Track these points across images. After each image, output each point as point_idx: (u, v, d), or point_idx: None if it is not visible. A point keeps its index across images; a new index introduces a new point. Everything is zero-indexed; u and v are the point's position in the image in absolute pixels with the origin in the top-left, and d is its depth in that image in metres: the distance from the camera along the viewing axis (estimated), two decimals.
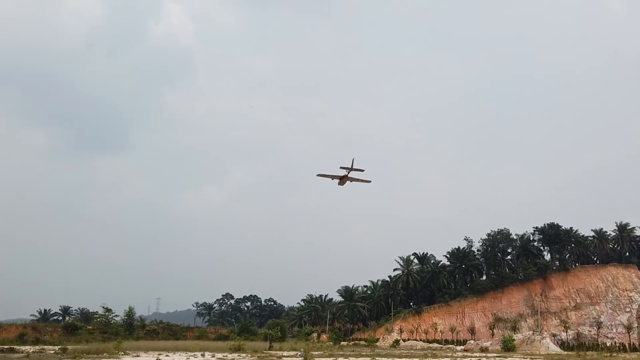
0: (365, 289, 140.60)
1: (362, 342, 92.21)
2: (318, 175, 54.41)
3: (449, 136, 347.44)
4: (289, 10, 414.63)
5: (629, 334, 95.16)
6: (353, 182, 54.72)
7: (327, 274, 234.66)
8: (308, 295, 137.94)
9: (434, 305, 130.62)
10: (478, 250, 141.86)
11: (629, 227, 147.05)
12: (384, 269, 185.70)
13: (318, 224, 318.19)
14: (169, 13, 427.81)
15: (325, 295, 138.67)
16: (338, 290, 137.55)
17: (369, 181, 55.19)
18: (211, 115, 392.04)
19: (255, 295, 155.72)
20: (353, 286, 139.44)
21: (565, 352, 66.85)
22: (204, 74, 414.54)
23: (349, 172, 52.55)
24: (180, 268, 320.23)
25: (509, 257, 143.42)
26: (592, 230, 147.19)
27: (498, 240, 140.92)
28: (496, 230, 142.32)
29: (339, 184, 54.77)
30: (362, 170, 52.63)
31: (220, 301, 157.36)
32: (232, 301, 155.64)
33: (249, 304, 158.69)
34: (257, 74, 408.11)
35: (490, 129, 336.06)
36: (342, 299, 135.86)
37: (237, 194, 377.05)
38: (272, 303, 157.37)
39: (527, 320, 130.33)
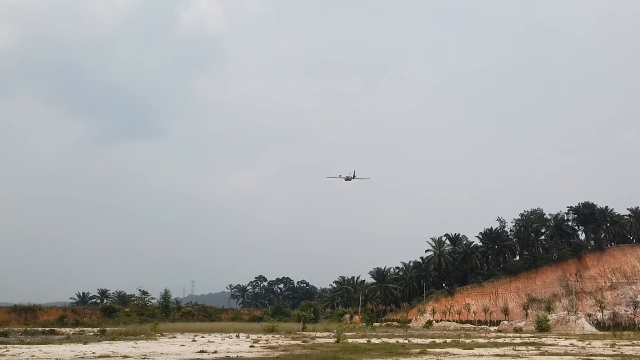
0: (397, 270, 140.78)
1: (395, 323, 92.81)
2: (328, 177, 73.71)
3: (482, 116, 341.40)
4: None
5: None
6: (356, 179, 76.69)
7: (359, 257, 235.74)
8: (340, 277, 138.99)
9: (466, 286, 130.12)
10: (511, 230, 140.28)
11: None
12: (417, 250, 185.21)
13: (351, 207, 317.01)
14: None
15: (358, 277, 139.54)
16: (370, 271, 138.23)
17: (369, 178, 78.28)
18: (242, 101, 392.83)
19: (288, 278, 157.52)
20: (385, 267, 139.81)
21: (601, 332, 66.97)
22: (233, 59, 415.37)
23: (353, 177, 74.14)
24: (214, 252, 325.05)
25: (542, 237, 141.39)
26: (627, 209, 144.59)
27: (531, 221, 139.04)
28: (529, 210, 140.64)
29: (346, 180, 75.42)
30: (369, 179, 77.70)
31: (254, 283, 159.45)
32: (265, 283, 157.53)
33: (281, 286, 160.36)
34: (286, 57, 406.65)
35: (523, 108, 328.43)
36: (374, 281, 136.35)
37: (269, 179, 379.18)
38: (304, 285, 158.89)
39: (562, 300, 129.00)
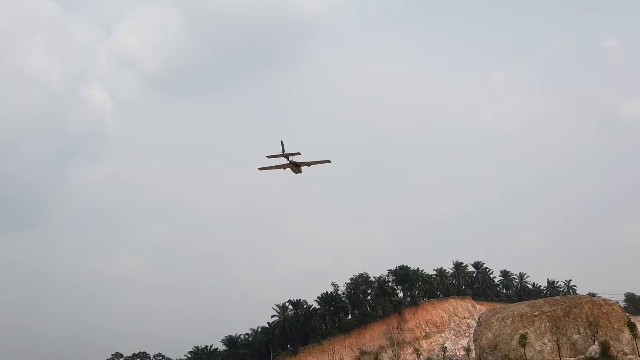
0: (247, 336, 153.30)
1: None
2: (260, 169, 50.46)
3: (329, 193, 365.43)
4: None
5: (468, 355, 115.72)
6: (312, 165, 49.42)
7: (213, 324, 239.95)
8: (194, 347, 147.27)
9: (308, 346, 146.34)
10: (343, 293, 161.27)
11: (463, 265, 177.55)
12: (264, 315, 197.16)
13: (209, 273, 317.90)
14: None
15: (211, 346, 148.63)
16: (222, 339, 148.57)
17: (329, 161, 49.68)
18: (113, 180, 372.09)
19: (144, 352, 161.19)
20: (236, 334, 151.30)
21: None
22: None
23: (288, 158, 47.81)
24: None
25: (369, 297, 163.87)
26: (434, 269, 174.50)
27: (359, 283, 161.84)
28: (358, 274, 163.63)
29: (295, 172, 49.89)
30: (299, 154, 48.16)
31: None
32: (122, 359, 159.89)
33: None
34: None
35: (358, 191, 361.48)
36: (226, 348, 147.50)
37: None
38: (160, 358, 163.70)
39: (388, 351, 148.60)
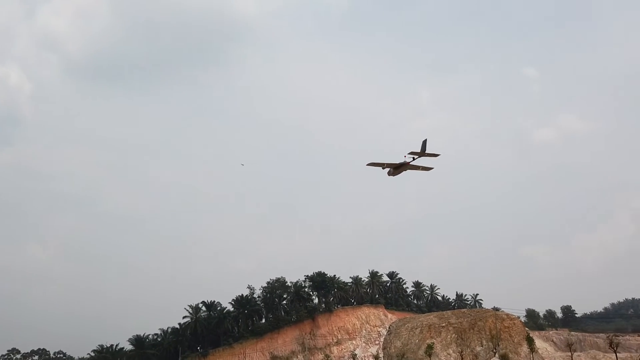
0: (156, 336, 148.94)
1: None
2: (368, 164, 46.88)
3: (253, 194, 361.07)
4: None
5: None
6: (413, 170, 46.96)
7: (121, 322, 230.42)
8: (99, 345, 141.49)
9: (218, 349, 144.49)
10: (259, 296, 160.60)
11: (378, 274, 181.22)
12: (176, 316, 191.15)
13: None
14: None
15: (117, 345, 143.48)
16: (129, 339, 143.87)
17: (431, 168, 46.81)
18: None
19: (43, 349, 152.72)
20: (144, 334, 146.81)
21: None
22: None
23: (414, 159, 45.10)
24: None
25: (284, 302, 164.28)
26: (350, 277, 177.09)
27: (276, 288, 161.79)
28: (274, 279, 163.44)
29: (392, 173, 47.34)
30: (437, 155, 44.85)
31: (6, 357, 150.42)
32: (19, 356, 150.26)
33: (36, 357, 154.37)
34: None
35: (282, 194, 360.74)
36: (133, 348, 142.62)
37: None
38: (61, 355, 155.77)
39: (299, 356, 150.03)
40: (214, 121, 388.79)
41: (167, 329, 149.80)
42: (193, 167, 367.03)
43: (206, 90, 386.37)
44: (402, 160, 45.66)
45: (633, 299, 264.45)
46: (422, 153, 44.42)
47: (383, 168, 47.01)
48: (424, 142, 43.40)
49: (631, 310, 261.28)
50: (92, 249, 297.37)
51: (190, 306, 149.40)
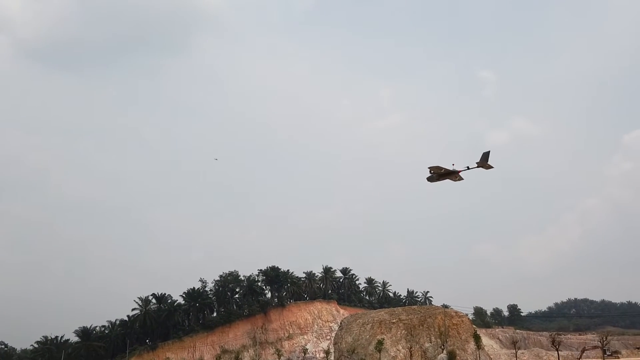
0: (103, 328, 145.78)
1: None
2: (430, 167, 45.09)
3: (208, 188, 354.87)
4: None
5: (327, 357, 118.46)
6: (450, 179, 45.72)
7: (67, 313, 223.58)
8: (43, 337, 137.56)
9: (168, 342, 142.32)
10: (211, 290, 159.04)
11: (332, 270, 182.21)
12: (126, 308, 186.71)
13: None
14: None
15: (62, 337, 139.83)
16: (75, 330, 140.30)
17: (462, 179, 46.20)
18: None
19: None
20: (91, 326, 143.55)
21: None
22: None
23: (468, 168, 43.67)
24: None
25: (237, 296, 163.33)
26: (304, 272, 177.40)
27: (229, 281, 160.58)
28: (227, 272, 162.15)
29: (434, 179, 45.63)
30: (491, 168, 43.41)
31: None
32: None
33: None
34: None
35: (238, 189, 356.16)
36: (79, 340, 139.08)
37: None
38: (3, 347, 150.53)
39: (250, 350, 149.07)
40: (171, 111, 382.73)
41: (115, 321, 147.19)
42: (147, 156, 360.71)
43: (164, 79, 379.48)
44: (452, 169, 44.51)
45: (576, 299, 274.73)
46: (482, 164, 43.05)
47: (438, 173, 45.14)
48: (487, 154, 42.81)
49: (573, 310, 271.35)
50: (37, 237, 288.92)
51: (140, 298, 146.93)
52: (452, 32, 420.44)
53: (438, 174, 45.87)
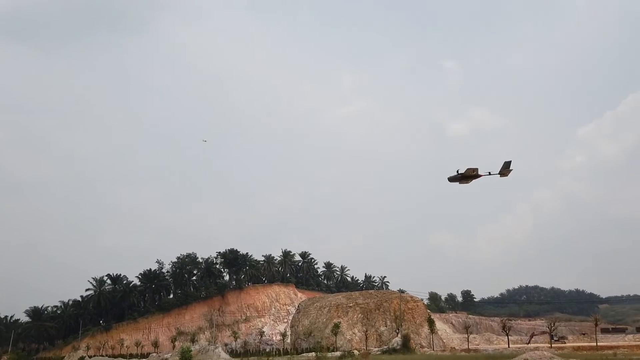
0: (55, 309, 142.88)
1: None
2: (468, 169, 44.74)
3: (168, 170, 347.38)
4: None
5: (283, 340, 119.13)
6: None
7: (17, 293, 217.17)
8: None
9: (122, 323, 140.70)
10: (168, 271, 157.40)
11: (291, 254, 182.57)
12: (79, 288, 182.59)
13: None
14: None
15: (11, 316, 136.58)
16: (26, 310, 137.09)
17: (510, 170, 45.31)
18: None
19: None
20: (43, 306, 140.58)
21: (233, 359, 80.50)
22: None
23: (489, 173, 44.22)
24: None
25: (194, 277, 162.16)
26: (263, 255, 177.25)
27: (186, 263, 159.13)
28: (185, 254, 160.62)
29: (458, 179, 45.65)
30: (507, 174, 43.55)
31: None
32: None
33: None
34: None
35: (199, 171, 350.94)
36: (30, 319, 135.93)
37: None
38: None
39: (206, 332, 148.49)
40: (133, 90, 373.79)
41: (68, 301, 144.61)
42: (106, 135, 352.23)
43: (126, 57, 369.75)
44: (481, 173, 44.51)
45: (527, 286, 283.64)
46: (503, 172, 43.51)
47: (470, 175, 44.65)
48: (508, 163, 43.35)
49: (524, 296, 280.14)
50: None
51: (94, 279, 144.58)
52: (418, 20, 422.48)
53: (468, 176, 45.06)
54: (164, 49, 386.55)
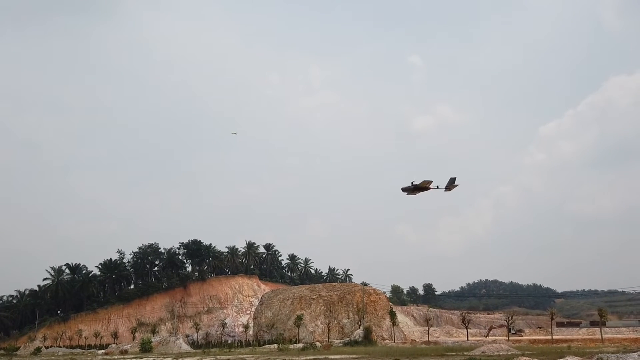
0: (10, 298, 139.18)
1: (1, 352, 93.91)
2: (424, 181, 46.38)
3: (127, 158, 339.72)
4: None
5: (246, 332, 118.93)
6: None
7: None
8: None
9: (81, 313, 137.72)
10: (129, 262, 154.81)
11: (255, 245, 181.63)
12: (36, 278, 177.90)
13: None
14: None
15: None
16: None
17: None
18: None
19: None
20: None
21: (194, 351, 78.52)
22: None
23: (437, 187, 46.12)
24: None
25: (156, 268, 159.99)
26: (226, 247, 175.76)
27: (148, 254, 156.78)
28: (147, 244, 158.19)
29: (410, 190, 46.76)
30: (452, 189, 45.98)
31: None
32: None
33: None
34: None
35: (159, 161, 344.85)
36: None
37: None
38: None
39: (167, 323, 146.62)
40: (90, 75, 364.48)
41: (25, 290, 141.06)
42: (67, 121, 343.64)
43: (84, 42, 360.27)
44: (431, 186, 46.61)
45: (486, 280, 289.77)
46: (449, 187, 46.25)
47: (423, 187, 46.33)
48: (453, 179, 46.02)
49: (484, 290, 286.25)
50: None
51: (52, 268, 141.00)
52: (386, 14, 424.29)
53: (420, 187, 46.26)
54: (127, 33, 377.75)
